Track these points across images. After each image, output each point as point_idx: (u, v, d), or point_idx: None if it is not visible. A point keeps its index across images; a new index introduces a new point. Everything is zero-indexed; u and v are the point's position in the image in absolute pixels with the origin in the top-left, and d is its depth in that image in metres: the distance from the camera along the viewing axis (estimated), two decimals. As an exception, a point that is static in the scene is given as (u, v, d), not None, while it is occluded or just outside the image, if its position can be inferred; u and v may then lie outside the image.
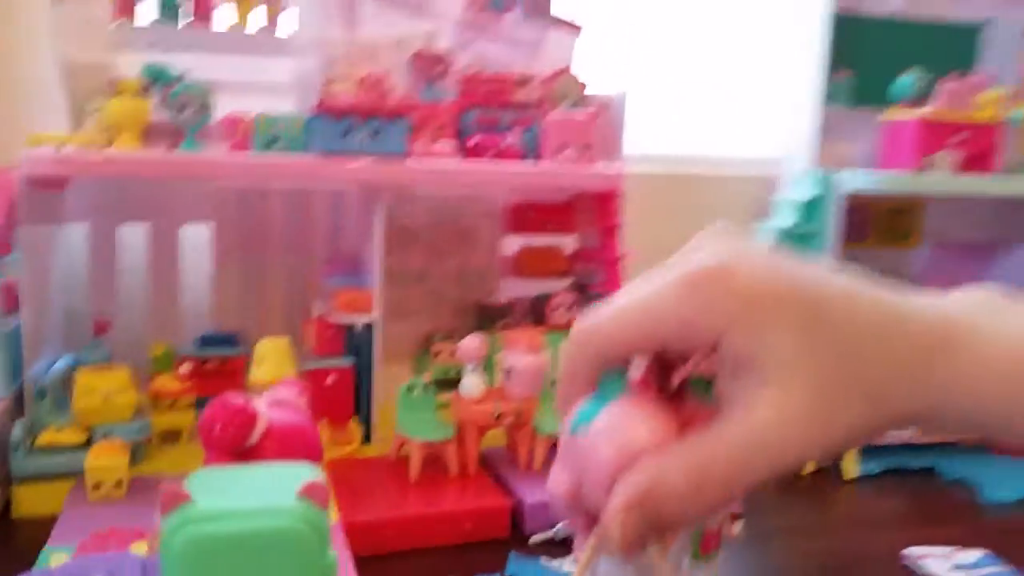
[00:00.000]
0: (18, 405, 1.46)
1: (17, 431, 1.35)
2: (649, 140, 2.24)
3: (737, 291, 0.53)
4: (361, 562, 1.14)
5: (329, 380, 1.58)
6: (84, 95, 1.60)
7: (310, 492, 0.74)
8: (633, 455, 0.61)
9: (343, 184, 1.74)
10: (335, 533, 1.20)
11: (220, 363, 1.63)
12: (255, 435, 0.96)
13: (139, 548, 1.03)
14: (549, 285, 1.87)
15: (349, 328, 1.63)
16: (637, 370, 0.80)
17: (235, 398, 0.96)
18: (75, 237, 1.74)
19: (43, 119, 1.65)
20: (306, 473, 0.77)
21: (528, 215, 1.88)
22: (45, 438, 1.39)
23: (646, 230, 2.02)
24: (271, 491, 0.75)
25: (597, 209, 1.80)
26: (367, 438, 1.59)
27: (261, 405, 1.00)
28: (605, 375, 0.66)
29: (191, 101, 1.52)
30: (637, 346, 0.60)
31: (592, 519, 0.88)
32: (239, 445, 0.95)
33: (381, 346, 1.58)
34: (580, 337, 0.62)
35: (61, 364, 1.58)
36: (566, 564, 1.20)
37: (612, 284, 1.75)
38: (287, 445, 0.97)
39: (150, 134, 1.54)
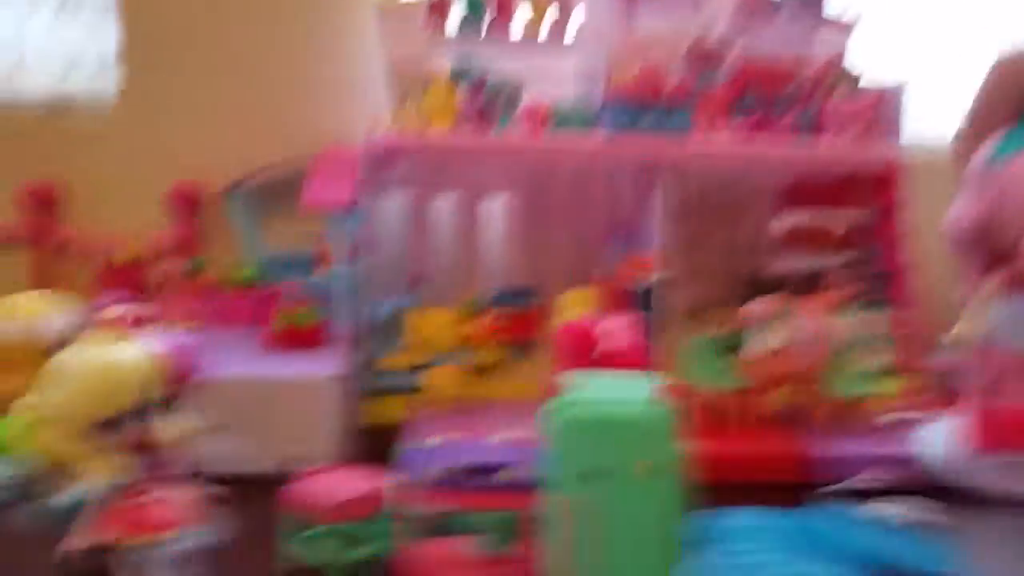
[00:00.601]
0: (363, 336, 1.75)
1: (363, 356, 1.64)
2: (930, 126, 2.21)
3: None
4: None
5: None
6: (406, 87, 1.89)
7: (661, 392, 0.90)
8: None
9: (631, 162, 1.89)
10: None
11: (518, 312, 1.84)
12: (598, 351, 1.14)
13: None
14: (822, 261, 1.92)
15: (633, 292, 1.78)
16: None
17: (581, 322, 1.15)
18: (403, 205, 2.04)
19: (372, 108, 1.98)
20: (650, 381, 0.93)
21: (802, 193, 1.95)
22: (384, 363, 1.66)
23: (928, 214, 2.02)
24: (630, 390, 0.92)
25: (875, 189, 1.83)
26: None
27: (599, 329, 1.18)
28: None
29: (503, 92, 1.78)
30: None
31: (996, 258, 0.80)
32: (585, 358, 1.14)
33: (664, 309, 1.71)
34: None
35: (389, 306, 1.87)
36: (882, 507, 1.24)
37: (891, 263, 1.78)
38: (623, 361, 1.14)
39: (460, 119, 1.80)
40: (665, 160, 1.70)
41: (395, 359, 1.66)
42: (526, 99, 1.83)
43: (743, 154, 1.78)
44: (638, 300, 1.77)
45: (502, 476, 1.01)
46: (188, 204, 2.06)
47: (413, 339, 1.67)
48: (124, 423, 0.85)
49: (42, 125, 2.09)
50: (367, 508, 1.05)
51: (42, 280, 2.07)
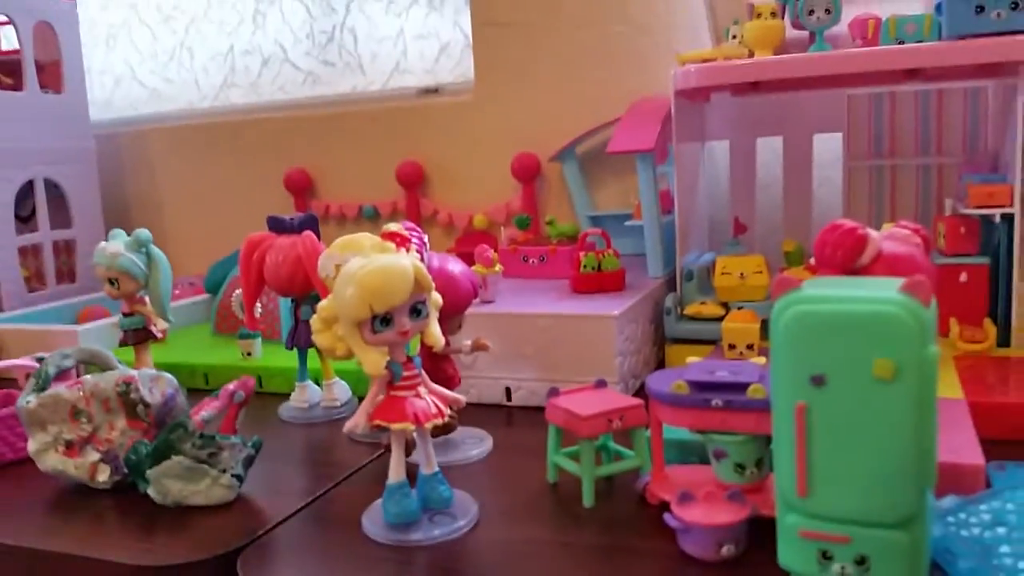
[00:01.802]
0: (671, 284, 1.74)
1: (669, 302, 1.62)
2: None
3: None
4: (988, 442, 1.09)
5: (961, 278, 1.51)
6: (725, 19, 1.81)
7: (913, 287, 0.75)
8: None
9: (975, 63, 1.58)
10: (960, 409, 1.17)
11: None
12: (865, 256, 1.00)
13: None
14: None
15: (985, 226, 1.52)
16: None
17: (847, 222, 1.01)
18: (718, 152, 1.98)
19: (689, 45, 1.93)
20: (901, 283, 0.78)
21: None
22: (691, 309, 1.63)
23: None
24: (875, 288, 0.79)
25: None
26: (1004, 341, 1.46)
27: (875, 234, 1.03)
28: None
29: (818, 5, 1.60)
30: None
31: None
32: (849, 263, 1.00)
33: (1022, 242, 1.43)
34: None
35: (707, 256, 1.82)
36: None
37: None
38: (897, 270, 0.98)
39: (785, 50, 1.66)
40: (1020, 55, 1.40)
41: (701, 306, 1.62)
42: (853, 13, 1.64)
43: None
44: (988, 240, 1.51)
45: (752, 394, 0.93)
46: (528, 173, 2.24)
47: (721, 283, 1.61)
48: (397, 321, 0.95)
49: (412, 112, 2.42)
50: (618, 425, 1.06)
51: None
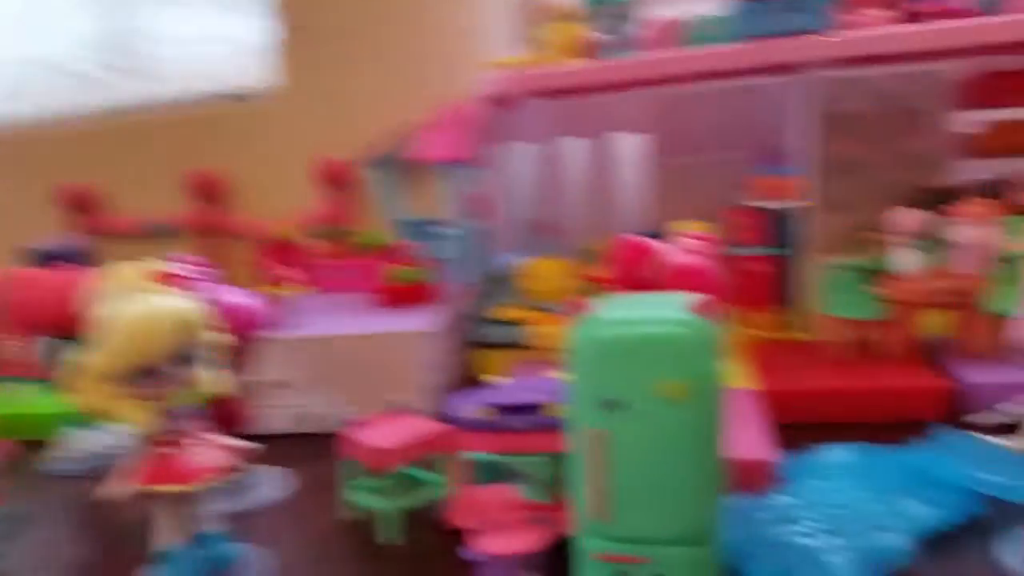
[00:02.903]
0: (481, 290, 1.71)
1: (478, 308, 1.60)
2: None
3: None
4: (781, 428, 1.13)
5: (755, 268, 1.57)
6: (535, 25, 1.80)
7: (701, 307, 0.75)
8: None
9: (773, 69, 1.65)
10: (754, 400, 1.21)
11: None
12: (657, 270, 1.00)
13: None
14: (1010, 164, 1.60)
15: (775, 217, 1.59)
16: None
17: (639, 236, 1.02)
18: (527, 155, 1.97)
19: (500, 50, 1.91)
20: (692, 299, 0.78)
21: (992, 86, 1.62)
22: (500, 313, 1.61)
23: None
24: (665, 307, 0.78)
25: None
26: (795, 326, 1.54)
27: (664, 246, 1.04)
28: None
29: (619, 11, 1.63)
30: None
31: None
32: (642, 278, 1.00)
33: (810, 234, 1.51)
34: None
35: (516, 259, 1.81)
36: (1010, 439, 1.04)
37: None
38: (689, 282, 0.99)
39: (587, 53, 1.67)
40: (812, 56, 1.46)
41: (505, 311, 1.60)
42: (652, 18, 1.67)
43: (911, 38, 1.46)
44: (778, 231, 1.58)
45: (546, 413, 0.91)
46: (334, 180, 2.14)
47: (526, 291, 1.60)
48: (162, 372, 0.86)
49: (210, 119, 2.25)
50: (419, 454, 1.01)
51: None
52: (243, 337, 1.09)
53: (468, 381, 1.55)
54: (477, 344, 1.60)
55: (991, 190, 1.58)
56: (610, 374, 0.76)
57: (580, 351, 0.77)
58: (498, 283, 1.65)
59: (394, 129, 2.06)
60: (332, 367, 1.38)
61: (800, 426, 1.22)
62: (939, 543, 0.83)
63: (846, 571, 0.77)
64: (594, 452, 0.77)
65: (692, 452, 0.75)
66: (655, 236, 1.74)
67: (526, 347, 1.52)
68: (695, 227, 1.45)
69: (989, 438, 1.02)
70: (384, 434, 1.02)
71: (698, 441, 0.75)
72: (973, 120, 1.68)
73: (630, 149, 1.90)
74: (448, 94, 1.98)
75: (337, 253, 1.86)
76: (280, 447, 1.35)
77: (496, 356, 1.58)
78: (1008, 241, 1.26)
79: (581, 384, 0.77)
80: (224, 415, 1.07)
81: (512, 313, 1.59)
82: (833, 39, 1.43)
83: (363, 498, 1.04)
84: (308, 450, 1.34)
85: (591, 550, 0.79)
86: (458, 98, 1.92)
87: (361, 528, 1.04)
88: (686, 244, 1.05)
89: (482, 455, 0.99)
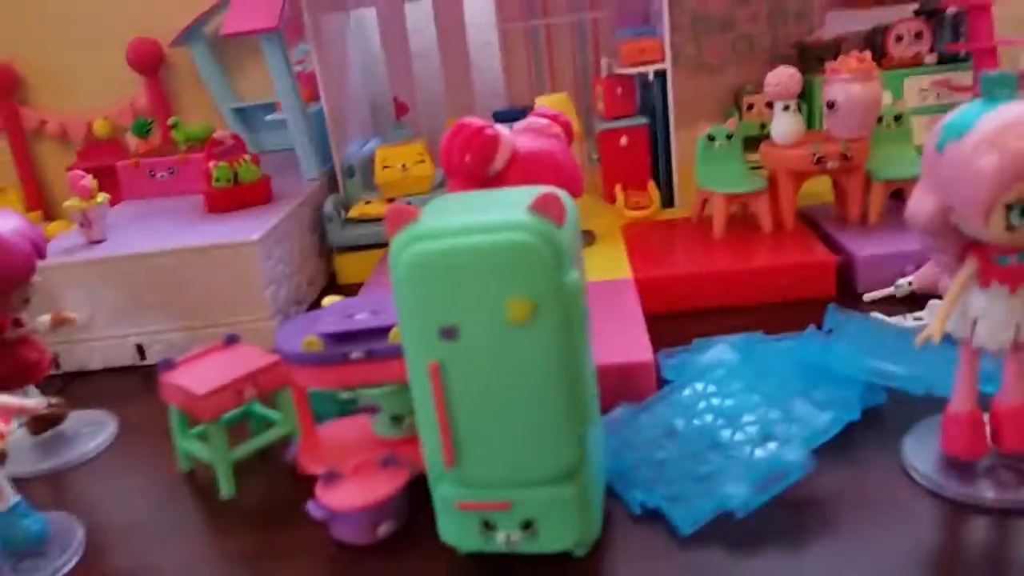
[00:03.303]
0: (332, 184, 1.53)
1: (329, 206, 1.42)
2: None
3: None
4: (658, 319, 1.04)
5: (622, 141, 1.44)
6: None
7: (542, 205, 0.61)
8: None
9: None
10: (629, 291, 1.10)
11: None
12: (498, 160, 0.86)
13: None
14: (888, 14, 1.51)
15: (643, 85, 1.46)
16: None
17: (475, 122, 0.86)
18: (368, 24, 1.74)
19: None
20: (534, 195, 0.64)
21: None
22: (356, 211, 1.44)
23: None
24: (503, 209, 0.64)
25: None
26: (668, 202, 1.44)
27: (508, 131, 0.89)
28: (984, 77, 0.60)
29: None
30: None
31: (963, 245, 0.69)
32: (481, 170, 0.86)
33: (676, 99, 1.38)
34: None
35: (369, 145, 1.62)
36: (908, 319, 0.98)
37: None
38: (536, 171, 0.85)
39: None
40: None
41: (367, 206, 1.43)
42: None
43: None
44: (647, 100, 1.45)
45: (395, 339, 0.77)
46: (149, 63, 1.86)
47: (382, 179, 1.43)
48: None
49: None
50: (243, 395, 0.86)
51: (25, 168, 1.96)
52: (9, 277, 0.89)
53: (329, 291, 1.40)
54: (337, 248, 1.44)
55: (869, 43, 1.49)
56: (445, 296, 0.62)
57: (402, 269, 0.62)
58: (353, 175, 1.47)
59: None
60: (159, 288, 1.19)
61: (679, 315, 1.14)
62: (837, 446, 0.76)
63: (739, 492, 0.68)
64: (435, 389, 0.64)
65: (546, 378, 0.63)
66: (517, 111, 1.60)
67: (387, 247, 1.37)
68: (552, 101, 1.32)
69: (885, 319, 0.96)
70: (201, 374, 0.86)
71: (553, 365, 0.63)
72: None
73: (480, 11, 1.70)
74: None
75: (156, 151, 1.62)
76: (116, 383, 1.18)
77: (357, 260, 1.42)
78: (892, 98, 1.18)
79: (407, 308, 0.64)
80: (15, 366, 0.89)
81: (372, 209, 1.42)
82: None
83: (194, 447, 0.89)
84: (150, 384, 1.17)
85: (445, 498, 0.68)
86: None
87: (199, 482, 0.90)
88: (534, 125, 0.91)
89: (319, 390, 0.86)
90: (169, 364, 0.89)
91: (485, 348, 0.62)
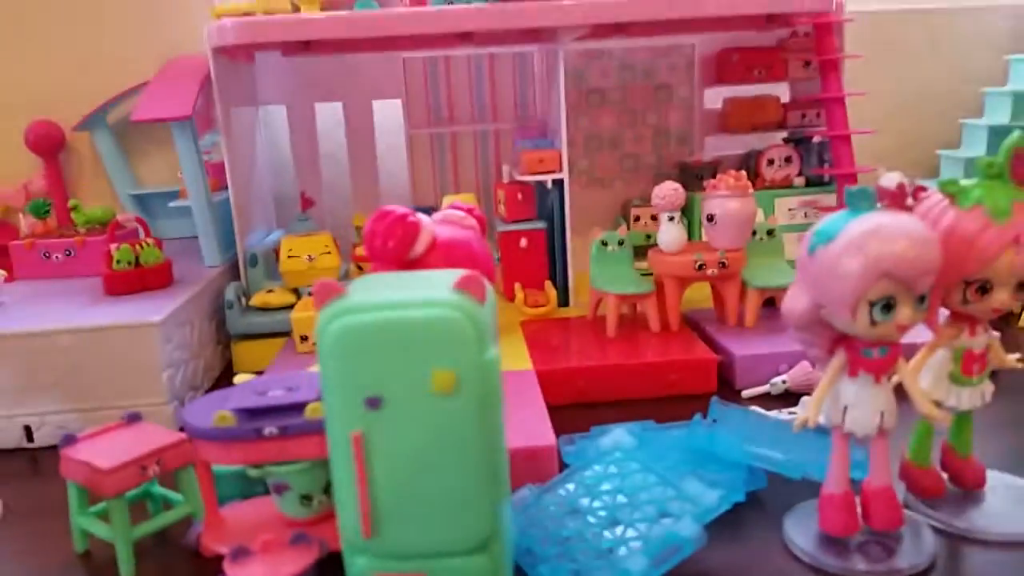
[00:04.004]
0: (234, 271, 1.53)
1: (230, 293, 1.42)
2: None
3: None
4: (558, 410, 1.09)
5: (522, 243, 1.53)
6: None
7: (466, 284, 0.67)
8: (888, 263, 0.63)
9: (526, 35, 1.59)
10: (530, 382, 1.16)
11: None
12: (419, 246, 0.91)
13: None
14: (761, 139, 1.69)
15: (541, 192, 1.56)
16: (890, 182, 0.70)
17: (398, 209, 0.92)
18: (278, 119, 1.79)
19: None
20: (456, 277, 0.70)
21: (732, 62, 1.68)
22: (258, 299, 1.45)
23: (877, 72, 1.79)
24: (427, 287, 0.69)
25: (815, 44, 1.56)
26: (564, 302, 1.52)
27: (428, 220, 0.95)
28: (848, 192, 0.69)
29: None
30: None
31: (833, 339, 0.78)
32: (403, 255, 0.91)
33: (572, 206, 1.49)
34: None
35: (273, 236, 1.64)
36: (784, 413, 1.08)
37: (836, 126, 1.54)
38: (453, 257, 0.91)
39: (334, 7, 1.52)
40: (556, 27, 1.41)
41: (269, 295, 1.45)
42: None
43: (652, 14, 1.39)
44: (544, 206, 1.55)
45: (311, 415, 0.79)
46: (48, 145, 1.83)
47: (287, 268, 1.45)
48: None
49: None
50: (147, 473, 0.85)
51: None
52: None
53: (226, 379, 1.39)
54: (236, 336, 1.43)
55: (743, 166, 1.66)
56: (371, 366, 0.65)
57: (328, 341, 0.66)
58: (256, 264, 1.49)
59: (117, 87, 1.81)
60: (52, 368, 1.16)
61: (576, 406, 1.20)
62: (725, 524, 0.82)
63: (639, 566, 0.73)
64: (357, 459, 0.66)
65: (465, 450, 0.67)
66: (422, 210, 1.66)
67: (289, 336, 1.38)
68: (462, 199, 1.39)
69: (763, 412, 1.04)
70: (105, 450, 0.85)
71: (473, 436, 0.67)
72: (719, 96, 1.76)
73: (387, 116, 1.79)
74: (176, 47, 1.77)
75: (54, 234, 1.58)
76: (2, 463, 1.13)
77: (256, 348, 1.42)
78: (765, 215, 1.31)
79: (333, 378, 0.67)
80: None
81: (274, 298, 1.44)
82: (575, 4, 1.37)
83: (93, 525, 0.87)
84: (38, 465, 1.13)
85: (361, 571, 0.69)
86: (188, 53, 1.71)
87: (97, 562, 0.87)
88: (450, 216, 0.97)
89: (224, 468, 0.86)
90: (71, 439, 0.87)
91: (408, 418, 0.66)
